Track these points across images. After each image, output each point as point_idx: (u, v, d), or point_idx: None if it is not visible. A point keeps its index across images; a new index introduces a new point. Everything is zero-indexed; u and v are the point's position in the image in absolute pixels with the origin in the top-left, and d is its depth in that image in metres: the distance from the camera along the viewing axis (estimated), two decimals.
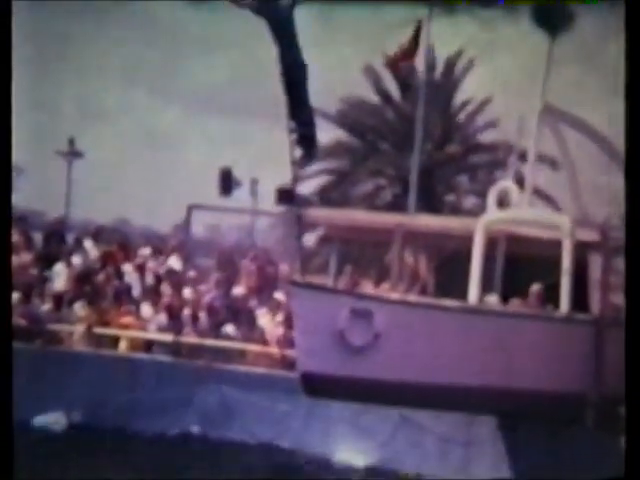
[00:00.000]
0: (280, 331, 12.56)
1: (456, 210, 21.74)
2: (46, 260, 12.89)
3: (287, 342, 12.14)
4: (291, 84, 9.57)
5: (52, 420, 11.86)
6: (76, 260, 13.17)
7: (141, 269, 13.56)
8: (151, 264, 13.82)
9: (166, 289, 13.28)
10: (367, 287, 12.71)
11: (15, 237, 12.72)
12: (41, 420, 11.88)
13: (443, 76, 23.55)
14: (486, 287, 11.09)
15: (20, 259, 12.49)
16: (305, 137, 9.89)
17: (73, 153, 20.87)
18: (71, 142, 20.96)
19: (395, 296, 11.48)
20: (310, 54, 10.05)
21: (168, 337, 12.57)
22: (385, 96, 23.82)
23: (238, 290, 13.65)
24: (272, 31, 9.34)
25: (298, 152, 10.01)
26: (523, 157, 12.34)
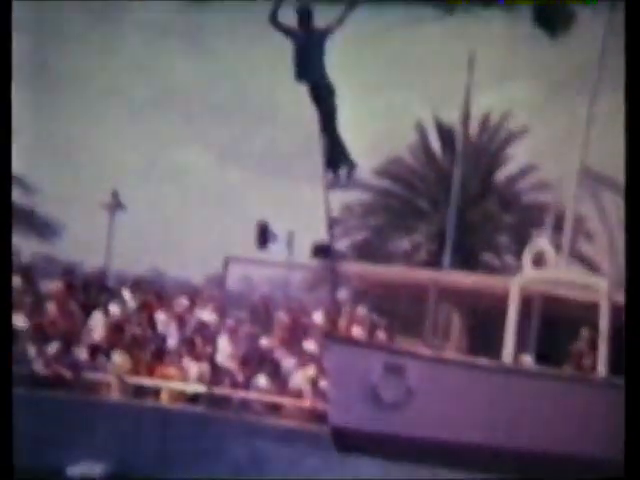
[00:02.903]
0: (312, 384, 12.55)
1: (492, 268, 21.70)
2: (85, 310, 13.08)
3: (319, 395, 12.14)
4: (321, 107, 10.06)
5: (86, 469, 11.89)
6: (114, 309, 13.34)
7: (177, 319, 13.68)
8: (186, 315, 13.94)
9: (200, 340, 13.36)
10: (401, 342, 12.70)
11: (58, 287, 12.99)
12: (75, 470, 11.90)
13: (486, 136, 23.82)
14: (521, 347, 11.02)
15: (62, 309, 12.69)
16: (340, 156, 10.23)
17: (116, 205, 21.33)
18: (114, 195, 21.47)
19: (428, 352, 11.46)
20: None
21: (201, 388, 12.61)
22: (427, 153, 24.11)
23: (271, 342, 13.70)
24: (300, 53, 9.86)
25: (331, 173, 10.36)
26: (561, 218, 12.34)
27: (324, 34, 9.95)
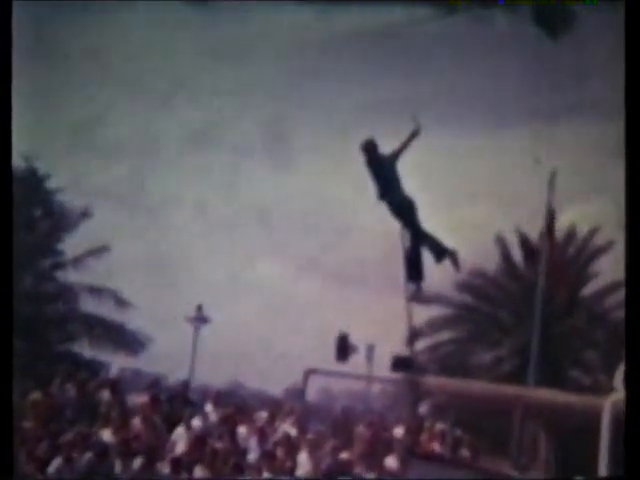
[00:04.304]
0: None
1: (580, 386, 21.08)
2: (169, 423, 13.18)
3: None
4: (403, 221, 10.48)
5: None
6: (196, 423, 13.40)
7: (258, 433, 13.63)
8: (267, 428, 13.90)
9: (281, 454, 13.25)
10: (486, 460, 12.36)
11: (143, 401, 13.17)
12: None
13: (572, 250, 23.64)
14: (616, 471, 10.55)
15: (147, 423, 12.81)
16: (438, 251, 10.45)
17: (200, 319, 21.84)
18: (199, 309, 22.03)
19: (515, 473, 11.12)
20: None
21: None
22: (509, 266, 23.97)
23: (350, 456, 13.48)
24: (376, 174, 10.42)
25: (413, 285, 10.52)
26: None
27: (392, 159, 10.63)
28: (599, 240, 23.51)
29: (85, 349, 24.27)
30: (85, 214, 24.74)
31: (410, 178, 11.14)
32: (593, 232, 23.61)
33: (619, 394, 10.97)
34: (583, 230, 23.60)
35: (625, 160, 7.19)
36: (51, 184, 24.63)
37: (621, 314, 22.74)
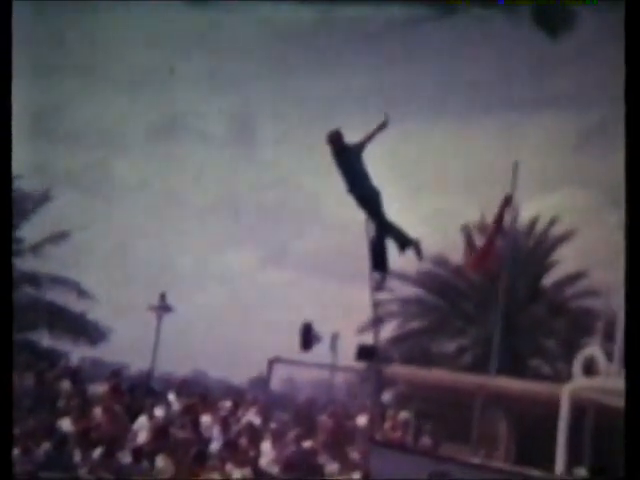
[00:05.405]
0: None
1: (541, 374, 21.32)
2: (131, 413, 13.07)
3: None
4: (368, 209, 10.51)
5: None
6: (159, 413, 13.31)
7: (221, 423, 13.58)
8: (230, 418, 13.86)
9: (244, 443, 13.23)
10: (447, 448, 12.46)
11: (104, 390, 13.05)
12: None
13: (533, 241, 23.87)
14: (574, 459, 10.70)
15: (108, 412, 12.68)
16: (402, 241, 10.52)
17: (163, 308, 21.67)
18: (162, 297, 21.85)
19: (476, 461, 11.20)
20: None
21: None
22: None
23: (314, 446, 13.51)
24: (342, 165, 10.41)
25: (378, 274, 10.58)
26: (612, 325, 12.14)
27: (358, 149, 10.58)
28: (558, 231, 23.79)
29: (44, 338, 23.96)
30: (46, 196, 24.35)
31: (378, 168, 11.13)
32: (552, 222, 23.87)
33: (577, 382, 11.13)
34: (544, 221, 23.87)
35: (625, 159, 7.21)
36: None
37: (580, 303, 23.08)
